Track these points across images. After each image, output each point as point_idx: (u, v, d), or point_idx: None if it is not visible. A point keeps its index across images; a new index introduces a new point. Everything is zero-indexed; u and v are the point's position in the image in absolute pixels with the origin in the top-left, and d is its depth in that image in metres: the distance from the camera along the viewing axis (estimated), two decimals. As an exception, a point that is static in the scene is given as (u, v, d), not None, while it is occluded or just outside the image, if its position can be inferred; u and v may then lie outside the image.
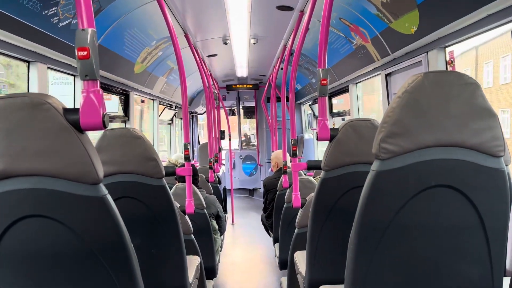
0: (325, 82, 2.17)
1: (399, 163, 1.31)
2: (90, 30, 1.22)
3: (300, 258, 2.73)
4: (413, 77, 1.31)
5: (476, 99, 1.30)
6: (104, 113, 1.23)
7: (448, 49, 2.79)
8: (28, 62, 2.64)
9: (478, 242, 1.34)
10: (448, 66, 2.78)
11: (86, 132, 1.25)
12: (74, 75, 3.31)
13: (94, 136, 2.94)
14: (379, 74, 3.88)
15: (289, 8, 3.90)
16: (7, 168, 1.19)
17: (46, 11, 2.41)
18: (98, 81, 1.24)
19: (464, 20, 2.33)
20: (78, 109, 1.20)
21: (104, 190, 1.26)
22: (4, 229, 1.23)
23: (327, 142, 2.17)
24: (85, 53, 1.20)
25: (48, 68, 2.81)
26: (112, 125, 4.49)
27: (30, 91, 2.68)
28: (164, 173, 2.18)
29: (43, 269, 1.29)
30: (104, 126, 1.22)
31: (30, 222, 1.23)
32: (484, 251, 1.35)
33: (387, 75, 3.75)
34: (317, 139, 2.18)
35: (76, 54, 1.21)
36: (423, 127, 1.30)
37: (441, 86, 1.29)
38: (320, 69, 2.18)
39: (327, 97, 2.30)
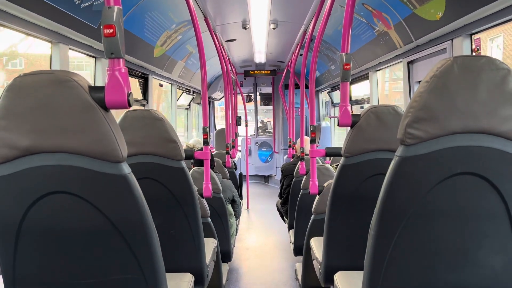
0: (348, 66, 2.14)
1: (424, 149, 1.29)
2: (116, 8, 1.22)
3: (317, 244, 2.73)
4: (442, 61, 1.28)
5: (507, 85, 1.26)
6: (129, 91, 1.23)
7: (474, 37, 2.72)
8: (51, 42, 2.66)
9: (502, 231, 1.32)
10: (474, 53, 2.71)
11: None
12: (95, 57, 3.33)
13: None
14: (401, 61, 3.81)
15: (311, -7, 3.84)
16: (33, 144, 1.21)
17: (69, -8, 2.41)
18: (123, 59, 1.24)
19: (492, 7, 2.27)
20: (103, 87, 1.21)
21: (128, 169, 1.27)
22: (30, 205, 1.25)
23: (344, 130, 2.14)
24: (111, 30, 1.20)
25: (70, 49, 2.83)
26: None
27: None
28: (184, 155, 2.19)
29: (66, 244, 1.31)
30: (129, 104, 1.22)
31: (54, 198, 1.25)
32: (508, 240, 1.32)
33: (409, 63, 3.69)
34: (338, 125, 2.16)
35: (102, 31, 1.21)
36: (451, 112, 1.27)
37: (470, 71, 1.26)
38: (344, 53, 2.15)
39: (349, 83, 2.27)
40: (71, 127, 1.21)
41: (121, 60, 1.24)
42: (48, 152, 1.22)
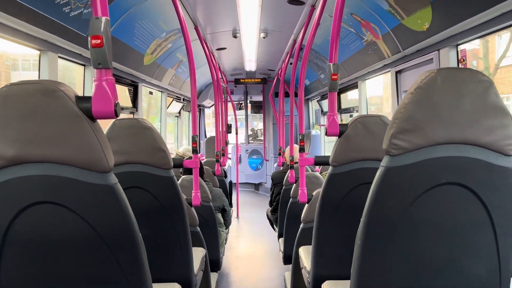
0: (336, 77, 2.16)
1: (409, 159, 1.31)
2: (104, 18, 1.22)
3: (305, 253, 2.73)
4: (426, 73, 1.30)
5: (489, 96, 1.28)
6: (116, 102, 1.23)
7: (460, 47, 2.76)
8: (39, 50, 2.65)
9: (487, 240, 1.34)
10: (460, 64, 2.76)
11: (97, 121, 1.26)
12: (84, 65, 3.32)
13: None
14: (389, 71, 3.86)
15: (300, 3, 3.88)
16: (18, 154, 1.20)
17: (58, 0, 2.41)
18: (110, 69, 1.25)
19: (477, 18, 2.30)
20: (90, 97, 1.21)
21: (114, 179, 1.27)
22: (15, 215, 1.24)
23: (334, 139, 2.16)
24: (99, 41, 1.20)
25: (59, 57, 2.82)
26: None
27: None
28: (172, 164, 2.18)
29: (51, 255, 1.30)
30: (116, 114, 1.22)
31: (40, 208, 1.24)
32: (492, 249, 1.34)
33: (397, 72, 3.73)
34: (326, 134, 2.18)
35: (90, 42, 1.21)
36: (435, 123, 1.29)
37: (454, 83, 1.28)
38: (331, 63, 2.17)
39: (336, 93, 2.29)
40: (57, 137, 1.20)
41: (109, 70, 1.24)
42: (34, 162, 1.21)
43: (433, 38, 2.81)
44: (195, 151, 3.05)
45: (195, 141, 3.07)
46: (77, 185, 1.22)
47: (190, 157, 3.07)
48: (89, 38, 1.22)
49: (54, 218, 1.26)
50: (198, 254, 2.75)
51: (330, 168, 2.15)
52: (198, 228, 2.98)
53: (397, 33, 3.24)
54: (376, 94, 5.69)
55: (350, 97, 6.14)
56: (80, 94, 1.28)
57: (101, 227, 1.27)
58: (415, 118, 1.29)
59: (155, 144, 2.12)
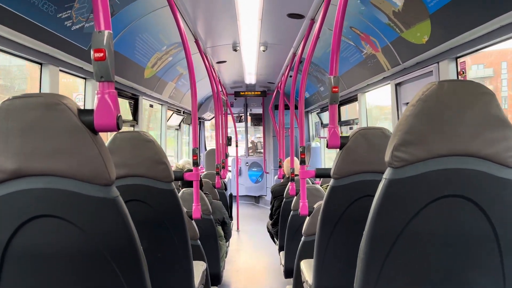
0: (337, 89, 2.17)
1: (412, 171, 1.30)
2: (106, 32, 1.23)
3: (307, 267, 2.71)
4: (428, 85, 1.31)
5: (491, 109, 1.28)
6: (118, 114, 1.23)
7: (459, 60, 2.77)
8: (40, 64, 2.67)
9: (490, 253, 1.33)
10: (460, 76, 2.77)
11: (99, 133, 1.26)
12: (85, 78, 3.34)
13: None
14: (389, 83, 3.87)
15: (300, 16, 3.91)
16: (20, 168, 1.20)
17: (60, 14, 2.43)
18: (113, 83, 1.25)
19: (476, 31, 2.32)
20: (92, 110, 1.21)
21: (116, 192, 1.26)
22: (16, 229, 1.23)
23: (334, 151, 2.16)
24: (101, 54, 1.21)
25: (60, 70, 2.83)
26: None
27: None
28: (173, 177, 2.18)
29: (52, 269, 1.29)
30: (118, 128, 1.22)
31: (41, 222, 1.23)
32: (496, 262, 1.33)
33: (397, 85, 3.74)
34: (327, 147, 2.18)
35: (92, 55, 1.22)
36: (437, 135, 1.29)
37: (456, 95, 1.29)
38: (332, 76, 2.18)
39: (337, 105, 2.29)
40: (59, 150, 1.20)
41: (111, 83, 1.24)
42: (35, 175, 1.21)
43: (433, 51, 2.82)
44: (195, 163, 3.04)
45: (195, 153, 3.07)
46: (79, 198, 1.21)
47: (190, 170, 3.06)
48: (91, 52, 1.22)
49: (55, 232, 1.25)
50: (198, 268, 2.73)
51: (332, 180, 2.14)
52: (199, 242, 2.97)
53: (397, 46, 3.26)
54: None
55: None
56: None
57: (102, 240, 1.26)
58: (417, 130, 1.29)
59: (156, 157, 2.12)
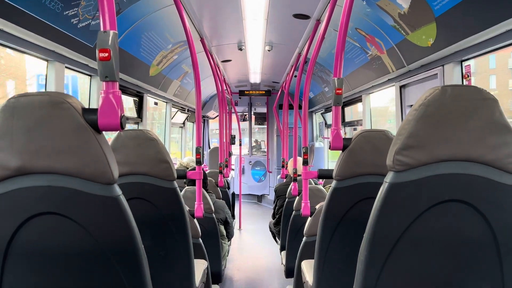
0: (340, 91, 2.17)
1: (413, 176, 1.31)
2: (112, 32, 1.24)
3: (308, 267, 2.71)
4: (431, 90, 1.31)
5: (494, 114, 1.28)
6: (122, 114, 1.24)
7: (464, 63, 2.77)
8: (46, 61, 2.68)
9: (490, 258, 1.33)
10: (464, 80, 2.76)
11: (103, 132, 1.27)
12: (90, 75, 3.36)
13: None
14: (393, 85, 3.87)
15: (305, 17, 3.91)
16: (24, 165, 1.21)
17: (67, 12, 2.45)
18: (117, 82, 1.26)
19: (482, 35, 2.32)
20: (96, 109, 1.22)
21: (118, 191, 1.27)
22: (19, 226, 1.24)
23: (337, 151, 2.17)
24: (106, 54, 1.22)
25: (66, 67, 2.85)
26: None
27: (47, 90, 2.72)
28: (176, 175, 2.19)
29: (54, 266, 1.30)
30: (121, 127, 1.23)
31: (44, 219, 1.24)
32: (496, 268, 1.33)
33: (401, 87, 3.74)
34: (329, 148, 2.18)
35: (97, 55, 1.23)
36: (439, 140, 1.29)
37: (458, 100, 1.29)
38: (336, 78, 2.18)
39: (340, 107, 2.30)
40: (63, 148, 1.21)
41: (115, 83, 1.25)
42: (39, 173, 1.22)
43: (438, 54, 2.82)
44: (198, 162, 3.05)
45: (199, 152, 3.08)
46: (82, 197, 1.23)
47: (194, 168, 3.07)
48: (97, 51, 1.23)
49: (57, 229, 1.26)
50: (199, 266, 2.74)
51: (334, 182, 2.15)
52: (200, 240, 2.98)
53: (402, 48, 3.26)
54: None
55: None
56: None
57: (104, 238, 1.27)
58: (419, 134, 1.30)
59: (159, 155, 2.13)
